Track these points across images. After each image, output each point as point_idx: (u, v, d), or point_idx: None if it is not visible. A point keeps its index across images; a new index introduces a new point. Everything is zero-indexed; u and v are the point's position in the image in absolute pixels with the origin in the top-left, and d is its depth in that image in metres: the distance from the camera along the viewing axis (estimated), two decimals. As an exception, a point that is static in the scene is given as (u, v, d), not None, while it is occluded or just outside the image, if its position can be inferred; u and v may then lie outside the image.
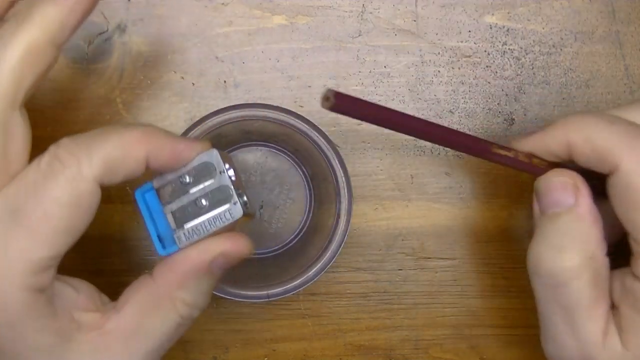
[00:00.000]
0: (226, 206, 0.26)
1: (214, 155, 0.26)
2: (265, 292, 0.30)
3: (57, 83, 0.33)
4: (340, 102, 0.24)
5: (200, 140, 0.27)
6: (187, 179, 0.26)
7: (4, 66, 0.24)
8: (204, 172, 0.26)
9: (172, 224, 0.26)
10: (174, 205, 0.26)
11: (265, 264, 0.34)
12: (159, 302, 0.26)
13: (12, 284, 0.23)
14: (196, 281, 0.26)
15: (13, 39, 0.24)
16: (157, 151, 0.25)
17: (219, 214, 0.26)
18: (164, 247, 0.27)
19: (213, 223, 0.26)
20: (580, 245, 0.27)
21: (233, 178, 0.26)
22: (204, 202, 0.26)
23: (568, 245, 0.27)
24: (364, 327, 0.35)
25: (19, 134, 0.25)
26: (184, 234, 0.26)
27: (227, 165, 0.26)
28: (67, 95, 0.33)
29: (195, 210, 0.26)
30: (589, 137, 0.27)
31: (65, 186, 0.23)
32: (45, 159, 0.24)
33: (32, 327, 0.24)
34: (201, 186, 0.26)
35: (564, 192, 0.28)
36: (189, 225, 0.26)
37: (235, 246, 0.26)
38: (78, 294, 0.26)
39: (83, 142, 0.24)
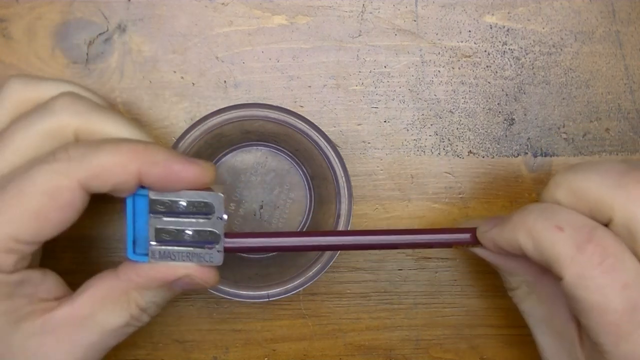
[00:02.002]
0: (209, 250, 0.26)
1: (219, 201, 0.26)
2: (265, 292, 0.30)
3: (57, 83, 0.33)
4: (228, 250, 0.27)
5: (203, 163, 0.26)
6: (183, 206, 0.26)
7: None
8: (202, 208, 0.26)
9: (152, 238, 0.26)
10: (160, 223, 0.26)
11: (265, 264, 0.34)
12: (116, 297, 0.27)
13: None
14: (156, 291, 0.27)
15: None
16: (150, 167, 0.25)
17: (199, 252, 0.27)
18: (134, 251, 0.27)
19: (189, 258, 0.27)
20: (517, 276, 0.30)
21: (225, 222, 0.27)
22: (189, 233, 0.26)
23: (511, 275, 0.30)
24: (364, 327, 0.35)
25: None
26: (159, 252, 0.26)
27: (224, 212, 0.26)
28: (67, 95, 0.33)
29: (178, 237, 0.26)
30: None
31: (47, 176, 0.24)
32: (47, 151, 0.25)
33: None
34: (193, 220, 0.26)
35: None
36: (167, 247, 0.26)
37: (203, 274, 0.27)
38: (42, 282, 0.27)
39: (83, 145, 0.25)
